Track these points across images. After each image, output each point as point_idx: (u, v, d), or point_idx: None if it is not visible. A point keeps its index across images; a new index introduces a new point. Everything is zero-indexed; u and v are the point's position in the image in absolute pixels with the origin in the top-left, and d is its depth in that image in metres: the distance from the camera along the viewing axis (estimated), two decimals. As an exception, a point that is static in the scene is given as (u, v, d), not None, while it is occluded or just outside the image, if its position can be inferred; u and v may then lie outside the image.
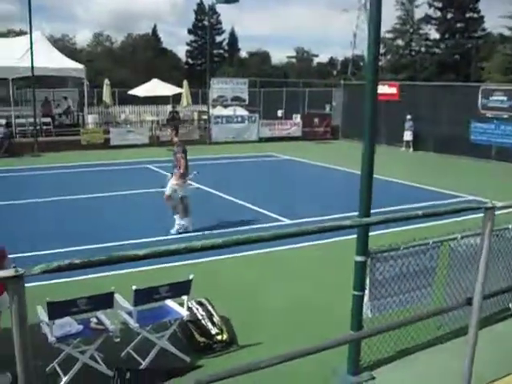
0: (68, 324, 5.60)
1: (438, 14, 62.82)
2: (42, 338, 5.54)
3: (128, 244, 10.13)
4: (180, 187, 11.12)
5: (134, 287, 5.66)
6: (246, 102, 30.15)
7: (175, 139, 11.39)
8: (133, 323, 5.76)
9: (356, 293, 5.33)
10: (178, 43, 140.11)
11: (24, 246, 9.53)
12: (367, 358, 5.71)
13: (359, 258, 5.23)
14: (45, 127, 27.09)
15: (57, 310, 5.30)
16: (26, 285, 1.94)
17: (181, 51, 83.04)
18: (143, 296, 5.71)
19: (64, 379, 5.43)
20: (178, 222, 11.22)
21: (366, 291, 5.33)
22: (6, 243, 5.68)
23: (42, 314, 5.51)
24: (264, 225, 11.69)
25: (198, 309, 6.71)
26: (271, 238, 2.66)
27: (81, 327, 5.65)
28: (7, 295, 5.24)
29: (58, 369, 5.60)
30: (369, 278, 5.29)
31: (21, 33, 49.30)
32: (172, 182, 11.13)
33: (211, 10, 62.01)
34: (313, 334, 6.40)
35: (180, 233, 11.09)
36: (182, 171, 11.00)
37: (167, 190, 11.17)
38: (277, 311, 7.39)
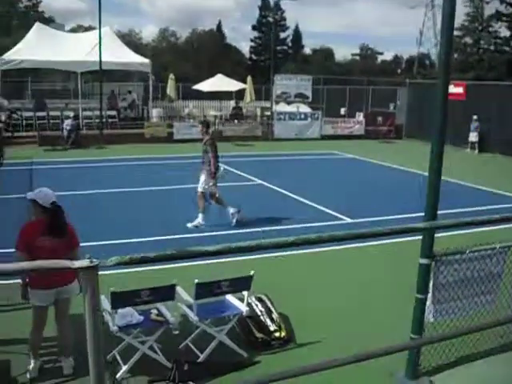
0: (129, 314, 5.69)
1: (511, 10, 60.64)
2: (104, 327, 5.66)
3: (194, 237, 10.30)
4: (211, 184, 11.22)
5: (196, 281, 5.71)
6: (310, 99, 29.99)
7: (206, 136, 11.41)
8: (193, 316, 5.82)
9: (419, 296, 5.21)
10: (242, 39, 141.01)
11: (96, 235, 9.76)
12: (426, 362, 5.58)
13: (424, 261, 5.11)
14: (110, 120, 27.70)
15: (120, 300, 5.41)
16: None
17: (245, 47, 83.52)
18: (204, 290, 5.75)
19: (124, 368, 5.52)
20: (232, 211, 11.37)
21: (429, 295, 5.21)
22: (79, 232, 5.83)
23: (105, 303, 5.61)
24: (324, 223, 11.60)
25: (257, 305, 6.70)
26: (344, 237, 2.63)
27: (142, 318, 5.74)
28: (77, 283, 5.34)
29: (118, 357, 5.70)
30: (432, 281, 5.16)
31: (89, 28, 50.53)
32: (203, 179, 11.24)
33: (276, 6, 61.99)
34: (371, 335, 6.33)
35: (238, 221, 11.29)
36: (213, 170, 11.09)
37: (199, 187, 11.28)
38: (335, 310, 7.31)
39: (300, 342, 6.40)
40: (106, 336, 5.67)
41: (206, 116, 32.08)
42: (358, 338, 6.26)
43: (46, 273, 5.07)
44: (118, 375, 5.50)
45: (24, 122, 25.97)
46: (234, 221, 11.31)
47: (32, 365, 5.58)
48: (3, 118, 23.78)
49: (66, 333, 5.75)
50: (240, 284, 5.98)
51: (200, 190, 11.25)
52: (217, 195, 11.46)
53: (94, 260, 1.83)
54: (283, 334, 6.35)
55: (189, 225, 11.14)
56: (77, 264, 1.82)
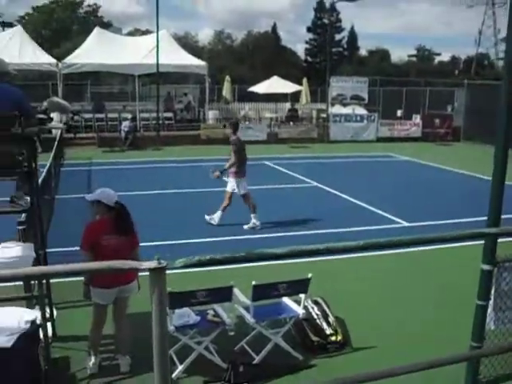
0: (187, 314, 5.74)
1: None
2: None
3: (255, 238, 10.38)
4: (237, 184, 11.24)
5: (253, 282, 5.71)
6: (366, 101, 29.70)
7: (233, 137, 11.54)
8: (249, 318, 5.82)
9: (480, 302, 5.06)
10: (297, 41, 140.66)
11: (155, 235, 9.89)
12: (487, 372, 5.42)
13: (486, 267, 4.96)
14: (167, 122, 28.05)
15: (177, 300, 5.45)
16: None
17: (299, 49, 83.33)
18: (262, 292, 5.75)
19: (179, 368, 5.57)
20: (254, 220, 11.35)
21: (491, 302, 5.06)
22: (142, 231, 5.95)
23: (164, 302, 5.67)
24: (381, 226, 11.47)
25: (313, 308, 6.66)
26: (413, 242, 2.56)
27: (198, 318, 5.78)
28: (137, 282, 5.42)
29: (174, 357, 5.74)
30: (494, 287, 5.01)
31: (146, 32, 51.29)
32: (230, 180, 11.38)
33: (331, 7, 61.59)
34: (430, 343, 6.20)
35: (252, 228, 11.27)
36: (235, 170, 11.17)
37: (228, 187, 11.40)
38: (392, 318, 7.20)
39: (356, 346, 6.32)
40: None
41: (261, 118, 32.17)
42: (418, 346, 6.14)
43: (109, 272, 5.17)
44: (173, 375, 5.55)
45: (83, 123, 26.56)
46: (247, 227, 11.26)
47: (92, 361, 5.70)
48: (64, 120, 24.39)
49: (125, 331, 5.84)
50: (297, 287, 5.95)
51: (228, 189, 11.38)
52: (248, 197, 11.45)
53: (162, 261, 1.84)
54: (339, 337, 6.29)
55: (245, 227, 11.19)
56: (145, 265, 1.83)
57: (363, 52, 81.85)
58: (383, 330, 6.77)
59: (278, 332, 6.02)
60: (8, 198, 5.57)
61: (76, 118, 26.18)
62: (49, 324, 5.60)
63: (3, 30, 34.33)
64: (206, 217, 11.47)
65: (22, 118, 4.90)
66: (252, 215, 11.26)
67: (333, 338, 6.26)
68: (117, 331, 5.91)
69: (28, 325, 4.50)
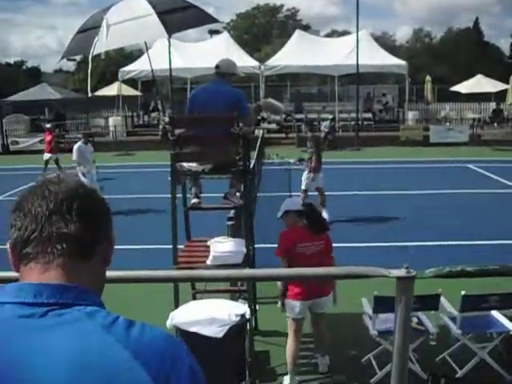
0: (390, 320, 5.61)
1: None
2: (363, 330, 5.68)
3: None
4: (314, 178, 11.76)
5: (462, 292, 5.45)
6: None
7: (309, 134, 12.62)
8: (455, 329, 5.56)
9: None
10: (500, 36, 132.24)
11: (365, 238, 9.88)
12: None
13: None
14: (365, 122, 27.93)
15: (382, 304, 5.34)
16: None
17: (504, 44, 78.20)
18: (471, 303, 5.47)
19: (379, 373, 5.46)
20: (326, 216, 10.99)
21: None
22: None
23: (367, 306, 5.61)
24: None
25: (524, 324, 6.19)
26: None
27: (402, 325, 5.63)
28: (333, 296, 5.31)
29: (373, 361, 5.67)
30: None
31: (344, 33, 51.44)
32: (304, 175, 11.99)
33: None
34: None
35: None
36: (312, 165, 11.71)
37: (303, 185, 11.97)
38: None
39: None
40: (364, 339, 5.71)
41: (463, 119, 30.80)
42: None
43: (306, 283, 5.19)
44: (371, 380, 5.47)
45: (295, 123, 27.24)
46: None
47: (287, 381, 5.55)
48: (278, 119, 25.30)
49: (324, 332, 5.80)
50: (510, 300, 5.57)
51: (302, 187, 11.87)
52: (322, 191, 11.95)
53: (411, 270, 1.78)
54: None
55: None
56: (394, 273, 1.79)
57: None
58: None
59: (485, 347, 5.66)
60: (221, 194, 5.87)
61: (289, 118, 27.03)
62: (252, 318, 5.80)
63: (211, 36, 36.49)
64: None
65: (240, 117, 5.14)
66: (323, 209, 11.36)
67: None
68: (316, 332, 5.90)
69: (238, 318, 4.68)
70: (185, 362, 1.23)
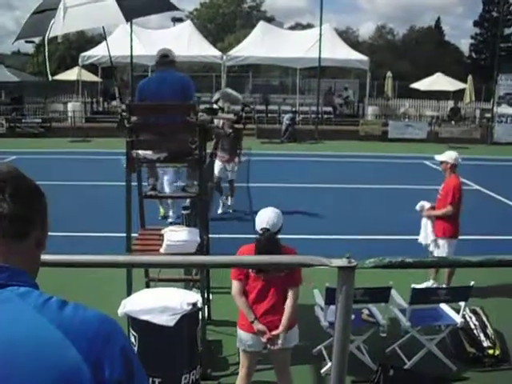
0: (341, 312, 5.68)
1: None
2: (314, 321, 5.74)
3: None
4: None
5: (412, 285, 5.55)
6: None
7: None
8: (405, 321, 5.66)
9: None
10: (461, 36, 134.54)
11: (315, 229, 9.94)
12: None
13: None
14: (326, 116, 28.09)
15: (333, 295, 5.39)
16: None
17: (464, 45, 79.51)
18: (421, 296, 5.58)
19: (328, 364, 5.52)
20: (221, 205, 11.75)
21: None
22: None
23: (319, 297, 5.66)
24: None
25: (471, 317, 6.32)
26: None
27: (353, 316, 5.68)
28: (297, 330, 4.78)
29: (324, 352, 5.74)
30: None
31: (308, 26, 51.62)
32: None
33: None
34: None
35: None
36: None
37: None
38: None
39: (517, 363, 5.92)
40: (314, 330, 5.76)
41: (421, 116, 31.18)
42: None
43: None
44: (322, 370, 5.54)
45: (255, 114, 27.14)
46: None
47: None
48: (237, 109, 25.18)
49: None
50: (458, 294, 5.70)
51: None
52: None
53: (353, 260, 1.81)
54: (497, 352, 5.91)
55: (219, 211, 11.68)
56: (335, 262, 1.81)
57: (536, 48, 76.59)
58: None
59: (433, 339, 5.79)
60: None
61: (246, 109, 26.93)
62: (205, 307, 5.80)
63: (174, 24, 36.22)
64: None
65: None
66: (230, 198, 11.83)
67: (490, 352, 5.90)
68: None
69: (190, 307, 4.67)
70: (117, 342, 1.24)
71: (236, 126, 11.44)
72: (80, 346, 1.17)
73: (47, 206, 1.40)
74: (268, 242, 4.37)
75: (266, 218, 4.49)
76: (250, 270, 4.45)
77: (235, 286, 4.56)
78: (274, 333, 4.44)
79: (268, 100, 29.02)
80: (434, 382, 5.51)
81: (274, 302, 4.51)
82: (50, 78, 8.87)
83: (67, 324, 1.19)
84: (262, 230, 4.46)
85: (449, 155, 7.87)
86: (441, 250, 7.56)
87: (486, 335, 6.09)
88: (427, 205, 7.88)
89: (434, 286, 7.28)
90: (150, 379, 4.55)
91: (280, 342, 4.45)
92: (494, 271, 8.10)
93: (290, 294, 4.50)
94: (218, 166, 11.32)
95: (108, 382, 1.20)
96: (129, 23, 21.75)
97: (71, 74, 30.04)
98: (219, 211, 11.57)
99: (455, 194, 7.62)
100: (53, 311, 1.20)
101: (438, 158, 7.95)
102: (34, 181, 1.39)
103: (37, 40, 30.68)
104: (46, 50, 5.30)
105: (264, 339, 4.47)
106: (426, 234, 7.82)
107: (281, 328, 4.44)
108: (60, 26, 4.70)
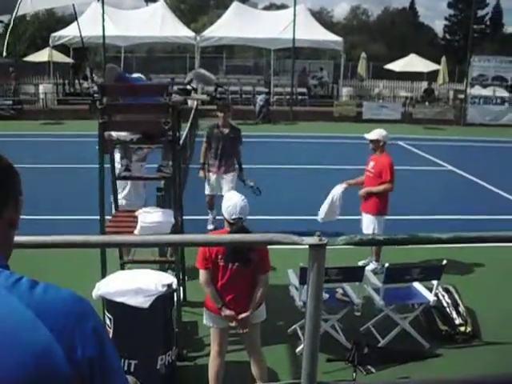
0: (316, 291, 5.72)
1: None
2: (289, 301, 5.77)
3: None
4: None
5: (386, 264, 5.61)
6: (509, 83, 27.99)
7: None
8: (378, 300, 5.73)
9: None
10: (435, 17, 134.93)
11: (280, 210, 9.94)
12: None
13: None
14: (300, 97, 28.05)
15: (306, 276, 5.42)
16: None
17: (438, 26, 79.96)
18: (394, 274, 5.64)
19: (303, 344, 5.56)
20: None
21: None
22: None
23: (293, 277, 5.69)
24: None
25: (444, 296, 6.44)
26: None
27: (327, 296, 5.74)
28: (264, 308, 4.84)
29: (299, 332, 5.79)
30: None
31: (282, 6, 51.35)
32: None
33: (477, -18, 58.56)
34: None
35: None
36: None
37: None
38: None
39: (486, 340, 6.03)
40: (289, 310, 5.80)
41: (396, 97, 31.32)
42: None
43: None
44: (297, 350, 5.59)
45: (230, 96, 26.99)
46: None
47: None
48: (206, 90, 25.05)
49: (260, 361, 4.83)
50: (431, 273, 5.79)
51: None
52: None
53: (323, 238, 1.81)
54: (469, 329, 6.03)
55: None
56: (306, 240, 1.81)
57: (509, 29, 77.31)
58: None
59: (406, 317, 5.90)
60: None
61: (220, 89, 26.78)
62: (180, 288, 5.80)
63: (147, 4, 35.77)
64: None
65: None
66: None
67: (462, 329, 6.02)
68: (252, 362, 4.84)
69: (165, 288, 4.67)
70: (89, 321, 1.24)
71: (234, 125, 10.23)
72: (51, 326, 1.16)
73: (21, 185, 1.37)
74: (241, 231, 4.33)
75: (237, 206, 4.46)
76: (219, 259, 4.46)
77: (203, 274, 4.58)
78: (241, 316, 4.50)
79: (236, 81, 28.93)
80: (408, 359, 5.59)
81: (242, 288, 4.55)
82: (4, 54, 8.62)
83: (38, 304, 1.18)
84: (234, 219, 4.44)
85: (379, 133, 7.86)
86: (372, 226, 7.59)
87: (458, 313, 6.20)
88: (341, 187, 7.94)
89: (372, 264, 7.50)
90: (126, 361, 4.55)
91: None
92: (465, 248, 8.29)
93: (259, 281, 4.55)
94: (209, 180, 9.25)
95: (80, 361, 1.20)
96: (100, 2, 21.43)
97: (42, 55, 29.50)
98: (209, 227, 8.97)
99: (392, 171, 7.67)
100: (23, 291, 1.19)
101: (368, 136, 7.95)
102: (7, 159, 1.35)
103: (5, 19, 30.07)
104: (11, 26, 5.20)
105: (232, 324, 4.57)
106: (333, 211, 7.79)
107: (248, 312, 4.52)
108: (29, 4, 4.62)
